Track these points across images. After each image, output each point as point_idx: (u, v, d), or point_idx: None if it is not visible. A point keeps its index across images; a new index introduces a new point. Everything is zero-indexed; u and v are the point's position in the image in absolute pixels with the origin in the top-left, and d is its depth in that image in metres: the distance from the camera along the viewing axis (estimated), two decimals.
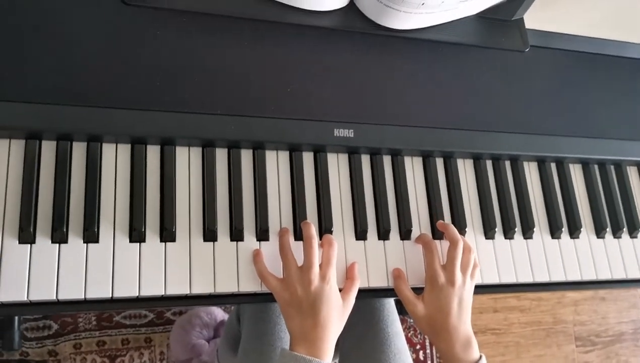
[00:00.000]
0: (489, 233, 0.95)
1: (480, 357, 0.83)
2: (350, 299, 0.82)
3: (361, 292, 0.87)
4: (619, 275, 0.99)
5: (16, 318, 1.47)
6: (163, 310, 1.62)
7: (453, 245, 0.87)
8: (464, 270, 0.86)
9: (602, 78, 1.07)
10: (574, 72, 1.05)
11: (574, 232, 0.99)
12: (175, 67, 0.82)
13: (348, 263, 0.86)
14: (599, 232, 1.01)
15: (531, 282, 0.95)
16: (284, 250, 0.81)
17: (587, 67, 1.06)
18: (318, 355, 0.75)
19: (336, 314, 0.78)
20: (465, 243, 0.88)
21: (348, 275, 0.85)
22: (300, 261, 0.81)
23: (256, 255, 0.81)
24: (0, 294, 0.70)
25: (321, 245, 0.83)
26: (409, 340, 1.80)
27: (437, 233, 0.92)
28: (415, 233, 0.91)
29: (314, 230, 0.82)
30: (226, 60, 0.85)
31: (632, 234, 1.04)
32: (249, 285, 0.81)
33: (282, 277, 0.81)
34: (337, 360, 1.10)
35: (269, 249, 0.83)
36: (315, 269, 0.79)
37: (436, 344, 0.85)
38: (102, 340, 1.57)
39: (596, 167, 1.06)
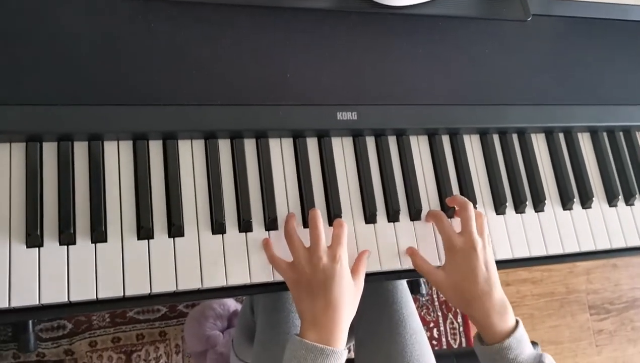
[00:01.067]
0: (499, 208, 0.94)
1: (517, 322, 0.80)
2: (360, 280, 0.80)
3: (373, 275, 0.87)
4: (634, 242, 0.98)
5: (30, 320, 1.48)
6: (175, 304, 1.62)
7: (463, 208, 0.85)
8: (480, 233, 0.84)
9: (606, 43, 1.05)
10: (578, 38, 1.04)
11: (586, 202, 0.98)
12: (171, 59, 0.81)
13: (359, 247, 0.85)
14: (611, 201, 1.00)
15: (545, 255, 0.94)
16: (289, 234, 0.80)
17: (591, 33, 1.05)
18: (330, 341, 0.73)
19: (348, 296, 0.76)
20: (475, 209, 0.87)
21: (358, 259, 0.83)
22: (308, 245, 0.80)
23: (266, 243, 0.81)
24: (12, 299, 0.69)
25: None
26: (422, 319, 1.80)
27: (447, 212, 0.91)
28: (425, 213, 0.90)
29: (318, 212, 0.81)
30: (222, 49, 0.83)
31: None
32: (261, 275, 0.80)
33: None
34: (352, 345, 1.10)
35: (279, 238, 0.82)
36: (323, 246, 0.77)
37: (469, 314, 0.82)
38: (117, 336, 1.57)
39: (605, 134, 1.04)
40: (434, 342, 1.80)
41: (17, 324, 1.48)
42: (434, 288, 1.83)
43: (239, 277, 0.79)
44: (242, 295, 1.40)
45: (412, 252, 0.87)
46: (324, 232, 0.79)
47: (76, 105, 0.74)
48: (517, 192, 0.95)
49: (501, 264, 0.93)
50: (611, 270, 2.05)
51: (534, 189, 0.96)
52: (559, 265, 1.98)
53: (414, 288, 1.80)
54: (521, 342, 0.79)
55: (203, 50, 0.82)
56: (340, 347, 0.74)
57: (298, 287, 0.77)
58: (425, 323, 1.81)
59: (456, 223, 0.88)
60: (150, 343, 1.60)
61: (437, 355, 0.99)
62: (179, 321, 1.62)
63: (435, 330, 1.82)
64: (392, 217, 0.88)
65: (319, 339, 0.72)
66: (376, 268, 0.85)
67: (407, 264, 0.87)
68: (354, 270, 0.81)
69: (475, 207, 0.91)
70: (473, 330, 1.82)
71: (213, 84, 0.81)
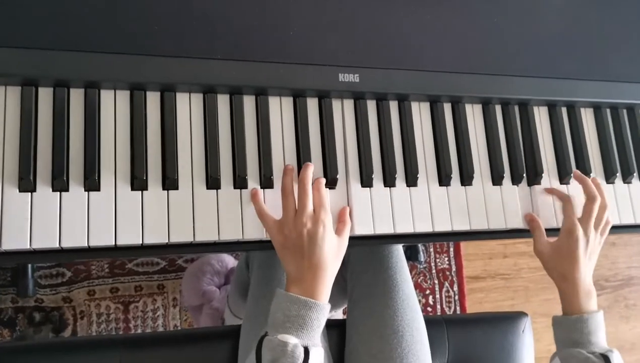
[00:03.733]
0: (496, 179, 0.93)
1: (600, 311, 0.87)
2: (344, 239, 0.82)
3: (368, 239, 0.88)
4: (628, 220, 0.98)
5: (29, 266, 1.50)
6: (175, 258, 1.64)
7: (590, 200, 0.91)
8: (596, 226, 0.90)
9: (615, 16, 1.03)
10: (587, 10, 1.01)
11: None
12: (173, 10, 0.79)
13: (353, 210, 0.85)
14: (609, 177, 0.99)
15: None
16: (285, 192, 0.81)
17: (600, 5, 1.02)
18: (313, 295, 0.75)
19: (331, 256, 0.78)
20: (602, 201, 0.92)
21: (339, 219, 0.84)
22: None
23: (254, 195, 0.81)
24: (3, 243, 0.70)
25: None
26: (419, 286, 1.82)
27: (443, 181, 0.91)
28: (422, 180, 0.90)
29: (309, 173, 0.82)
30: (225, 1, 0.82)
31: None
32: (253, 232, 0.80)
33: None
34: (345, 308, 1.11)
35: (273, 197, 0.82)
36: (308, 212, 0.78)
37: (560, 286, 0.91)
38: (116, 287, 1.59)
39: (608, 111, 1.03)
40: (429, 309, 1.82)
41: (16, 269, 1.50)
42: (432, 256, 1.84)
43: (231, 233, 0.79)
44: (235, 251, 1.41)
45: (532, 219, 0.93)
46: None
47: (74, 51, 0.73)
48: (516, 164, 0.94)
49: (494, 234, 0.94)
50: (609, 248, 2.05)
51: (532, 162, 0.96)
52: None
53: (413, 256, 1.81)
54: (598, 326, 0.87)
55: (206, 1, 0.81)
56: (323, 301, 0.76)
57: (284, 250, 0.78)
58: (421, 290, 1.82)
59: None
60: (148, 295, 1.62)
61: (428, 320, 1.01)
62: (177, 275, 1.64)
63: (431, 297, 1.83)
64: (389, 181, 0.88)
65: (303, 293, 0.75)
66: (369, 231, 0.85)
67: (401, 229, 0.87)
68: (337, 230, 0.82)
69: (472, 177, 0.91)
70: (468, 299, 1.84)
71: (215, 37, 0.80)
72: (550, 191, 0.95)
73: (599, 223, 0.91)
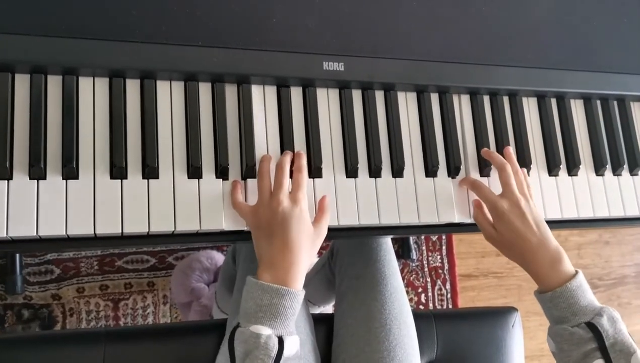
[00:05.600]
0: (484, 171, 0.92)
1: (577, 272, 0.81)
2: (322, 228, 0.80)
3: (354, 230, 0.86)
4: (617, 213, 0.97)
5: (18, 262, 1.49)
6: (165, 255, 1.63)
7: (501, 169, 0.87)
8: (521, 190, 0.85)
9: (606, 6, 1.02)
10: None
11: (573, 169, 0.97)
12: None
13: (338, 201, 0.84)
14: (599, 170, 0.98)
15: None
16: (261, 173, 0.80)
17: None
18: (286, 281, 0.73)
19: (306, 239, 0.76)
20: (514, 166, 0.89)
21: (319, 207, 0.83)
22: None
23: (234, 188, 0.80)
24: None
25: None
26: (411, 284, 1.81)
27: (430, 172, 0.89)
28: (407, 170, 0.89)
29: (289, 158, 0.81)
30: None
31: (632, 172, 1.00)
32: (235, 223, 0.79)
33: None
34: (333, 303, 1.10)
35: (255, 186, 0.80)
36: (284, 191, 0.77)
37: (524, 267, 0.84)
38: (105, 284, 1.58)
39: (598, 102, 1.02)
40: (421, 307, 1.81)
41: (4, 266, 1.49)
42: (424, 254, 1.83)
43: (213, 223, 0.78)
44: (220, 242, 1.40)
45: (478, 204, 0.88)
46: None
47: (51, 36, 0.72)
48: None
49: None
50: (603, 247, 2.05)
51: (520, 153, 0.95)
52: None
53: (405, 253, 1.80)
54: (575, 293, 0.79)
55: None
56: (297, 287, 0.74)
57: (258, 231, 0.77)
58: (414, 288, 1.81)
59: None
60: (139, 292, 1.61)
61: (417, 315, 1.00)
62: (167, 272, 1.63)
63: (423, 295, 1.82)
64: (374, 172, 0.87)
65: (275, 280, 0.72)
66: (354, 222, 0.84)
67: (386, 220, 0.86)
68: (316, 219, 0.81)
69: (459, 168, 0.90)
70: (461, 297, 1.84)
71: (196, 23, 0.79)
72: (461, 183, 0.91)
73: (522, 186, 0.86)
